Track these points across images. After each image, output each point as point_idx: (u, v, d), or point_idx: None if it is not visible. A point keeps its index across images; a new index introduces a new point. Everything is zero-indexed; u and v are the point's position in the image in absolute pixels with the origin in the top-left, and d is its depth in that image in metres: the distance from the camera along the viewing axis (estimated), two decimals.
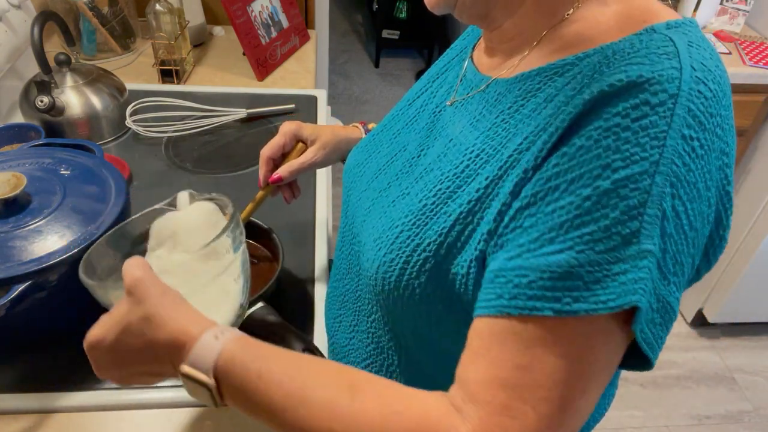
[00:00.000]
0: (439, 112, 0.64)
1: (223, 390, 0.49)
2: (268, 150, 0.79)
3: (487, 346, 0.46)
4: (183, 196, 0.67)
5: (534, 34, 0.54)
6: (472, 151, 0.54)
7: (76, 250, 0.72)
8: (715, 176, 0.46)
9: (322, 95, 1.35)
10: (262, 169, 0.79)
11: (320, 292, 0.89)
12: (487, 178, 0.51)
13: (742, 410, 1.92)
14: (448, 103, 0.63)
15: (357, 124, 0.87)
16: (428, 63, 3.58)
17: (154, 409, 0.73)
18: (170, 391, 0.74)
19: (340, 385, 0.48)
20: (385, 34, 3.54)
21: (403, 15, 3.63)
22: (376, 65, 3.62)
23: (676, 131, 0.43)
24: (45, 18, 1.07)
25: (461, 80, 0.63)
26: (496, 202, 0.50)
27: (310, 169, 0.80)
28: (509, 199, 0.48)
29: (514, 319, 0.45)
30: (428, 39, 3.53)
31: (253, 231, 0.87)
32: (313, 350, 0.70)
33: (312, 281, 0.91)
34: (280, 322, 0.73)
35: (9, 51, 1.18)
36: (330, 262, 0.97)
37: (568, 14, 0.52)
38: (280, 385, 0.48)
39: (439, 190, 0.55)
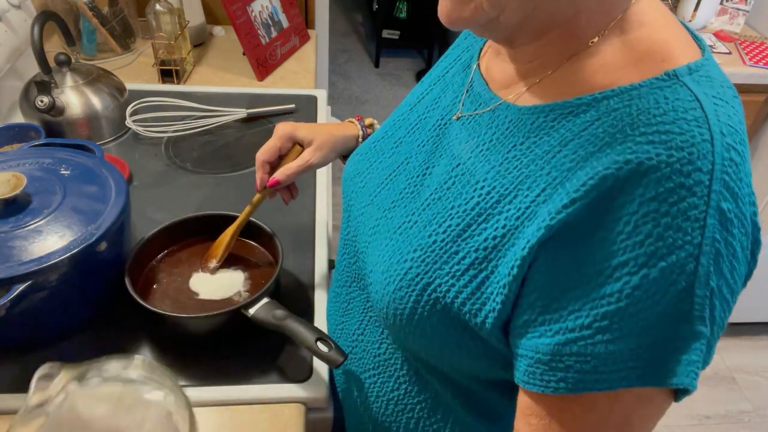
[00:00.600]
0: (444, 124, 0.62)
1: None
2: (264, 154, 0.78)
3: (548, 425, 0.50)
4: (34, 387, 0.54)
5: (555, 60, 0.52)
6: (483, 187, 0.53)
7: (76, 250, 0.72)
8: (749, 231, 0.46)
9: (322, 95, 1.35)
10: (258, 173, 0.78)
11: (320, 294, 0.89)
12: (504, 227, 0.50)
13: (742, 410, 1.92)
14: (454, 117, 0.61)
15: (353, 120, 0.85)
16: (428, 63, 3.59)
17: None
18: None
19: None
20: (385, 34, 3.54)
21: (403, 15, 3.63)
22: (376, 65, 3.62)
23: (714, 208, 0.43)
24: (45, 18, 1.07)
25: (467, 91, 0.61)
26: (511, 254, 0.49)
27: (308, 170, 0.79)
28: (523, 262, 0.48)
29: (574, 399, 0.48)
30: (428, 39, 3.53)
31: (253, 232, 0.87)
32: (326, 339, 0.70)
33: (312, 282, 0.91)
34: (289, 315, 0.73)
35: (9, 51, 1.18)
36: (330, 262, 0.97)
37: (592, 42, 0.49)
38: None
39: (449, 226, 0.54)
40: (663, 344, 0.45)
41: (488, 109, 0.57)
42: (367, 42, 3.86)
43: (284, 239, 0.85)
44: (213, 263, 0.83)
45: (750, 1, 1.84)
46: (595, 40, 0.49)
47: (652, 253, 0.43)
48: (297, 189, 0.84)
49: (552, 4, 0.48)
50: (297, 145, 0.79)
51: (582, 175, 0.45)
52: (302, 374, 0.77)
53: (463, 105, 0.61)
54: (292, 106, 1.29)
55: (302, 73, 1.46)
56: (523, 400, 0.53)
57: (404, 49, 3.78)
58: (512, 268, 0.48)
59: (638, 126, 0.44)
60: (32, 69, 1.16)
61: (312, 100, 1.33)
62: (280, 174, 0.77)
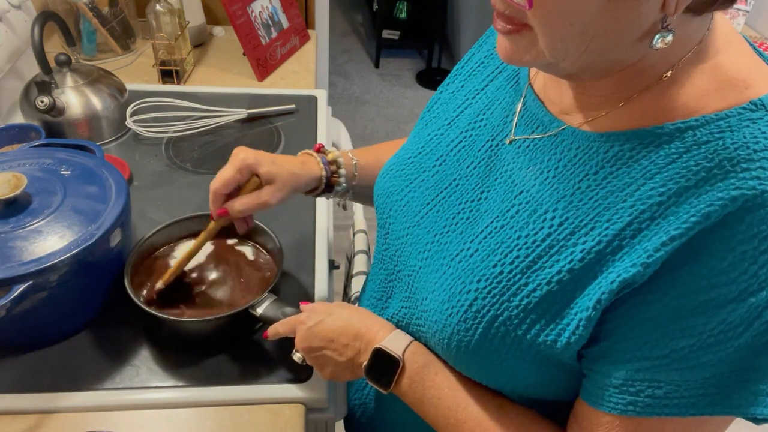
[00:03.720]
0: (496, 146, 0.59)
1: (404, 372, 0.59)
2: (220, 187, 0.72)
3: None
4: None
5: (625, 95, 0.49)
6: (553, 217, 0.51)
7: (76, 251, 0.72)
8: None
9: (322, 95, 1.35)
10: (212, 205, 0.73)
11: (320, 296, 0.89)
12: (582, 260, 0.48)
13: None
14: (507, 141, 0.58)
15: (312, 153, 0.79)
16: (428, 63, 3.59)
17: (154, 409, 0.73)
18: (170, 391, 0.74)
19: (491, 405, 0.58)
20: (385, 34, 3.54)
21: (403, 15, 3.63)
22: (376, 65, 3.62)
23: None
24: (45, 18, 1.07)
25: (521, 111, 0.58)
26: (595, 287, 0.47)
27: (262, 209, 0.73)
28: (611, 295, 0.46)
29: (639, 422, 0.48)
30: (428, 39, 3.53)
31: (255, 233, 0.87)
32: None
33: (312, 283, 0.91)
34: (298, 311, 0.72)
35: (9, 51, 1.18)
36: (331, 262, 0.97)
37: (666, 76, 0.47)
38: (449, 389, 0.59)
39: (517, 257, 0.52)
40: (738, 374, 0.45)
41: (549, 133, 0.54)
42: (367, 42, 3.86)
43: (284, 240, 0.86)
44: (159, 284, 0.79)
45: (750, 1, 1.84)
46: (669, 74, 0.47)
47: (744, 289, 0.43)
48: (252, 218, 0.80)
49: (617, 53, 0.46)
50: (255, 177, 0.74)
51: (681, 212, 0.44)
52: (302, 374, 0.77)
53: (516, 126, 0.58)
54: (293, 106, 1.29)
55: (302, 74, 1.46)
56: (582, 410, 0.52)
57: (404, 49, 3.79)
58: (598, 302, 0.47)
59: (739, 162, 0.43)
60: (32, 69, 1.16)
61: (312, 101, 1.33)
62: (232, 207, 0.72)
